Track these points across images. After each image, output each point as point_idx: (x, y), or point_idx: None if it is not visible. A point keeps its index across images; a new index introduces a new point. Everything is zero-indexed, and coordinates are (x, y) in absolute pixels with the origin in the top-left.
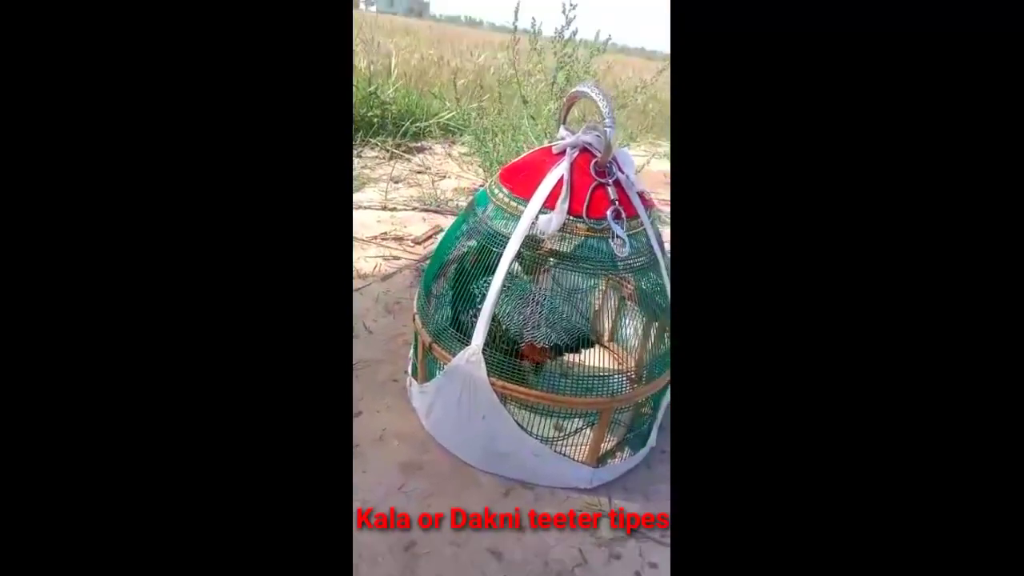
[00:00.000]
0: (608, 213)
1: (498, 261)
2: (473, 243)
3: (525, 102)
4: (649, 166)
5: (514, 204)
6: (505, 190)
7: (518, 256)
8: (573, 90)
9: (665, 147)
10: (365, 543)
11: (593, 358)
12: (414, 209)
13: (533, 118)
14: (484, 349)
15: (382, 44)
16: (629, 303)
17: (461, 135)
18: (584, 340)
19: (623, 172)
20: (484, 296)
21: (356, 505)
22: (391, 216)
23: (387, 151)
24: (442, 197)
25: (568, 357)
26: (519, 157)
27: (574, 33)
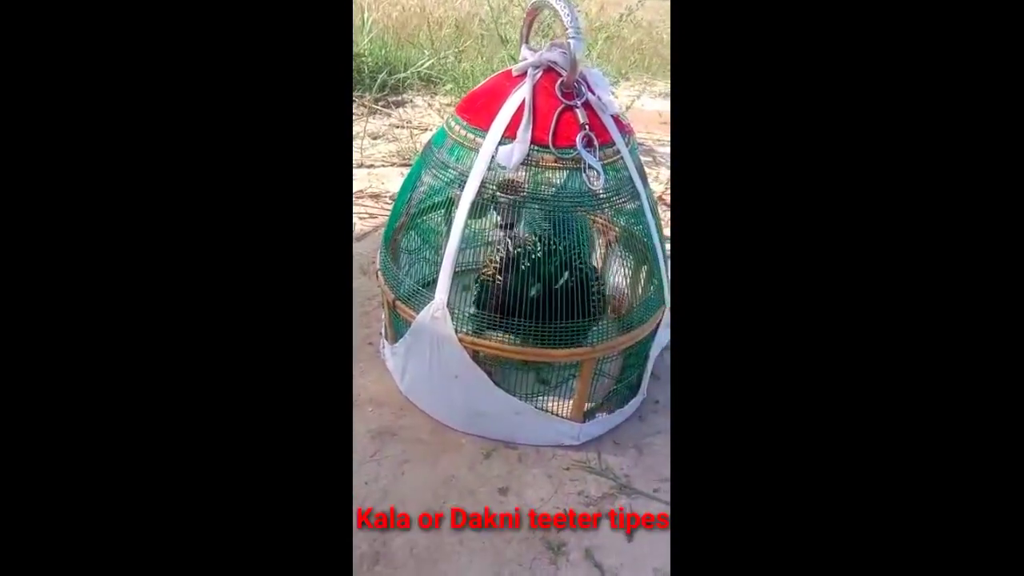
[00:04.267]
0: (578, 140)
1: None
2: (429, 187)
3: (504, 41)
4: (641, 104)
5: (472, 136)
6: (462, 122)
7: (493, 200)
8: (532, 1)
9: (660, 86)
10: None
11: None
12: (392, 165)
13: (513, 58)
14: (450, 303)
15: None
16: (615, 246)
17: (443, 84)
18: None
19: (594, 93)
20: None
21: None
22: (368, 173)
23: (364, 107)
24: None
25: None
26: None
27: None
